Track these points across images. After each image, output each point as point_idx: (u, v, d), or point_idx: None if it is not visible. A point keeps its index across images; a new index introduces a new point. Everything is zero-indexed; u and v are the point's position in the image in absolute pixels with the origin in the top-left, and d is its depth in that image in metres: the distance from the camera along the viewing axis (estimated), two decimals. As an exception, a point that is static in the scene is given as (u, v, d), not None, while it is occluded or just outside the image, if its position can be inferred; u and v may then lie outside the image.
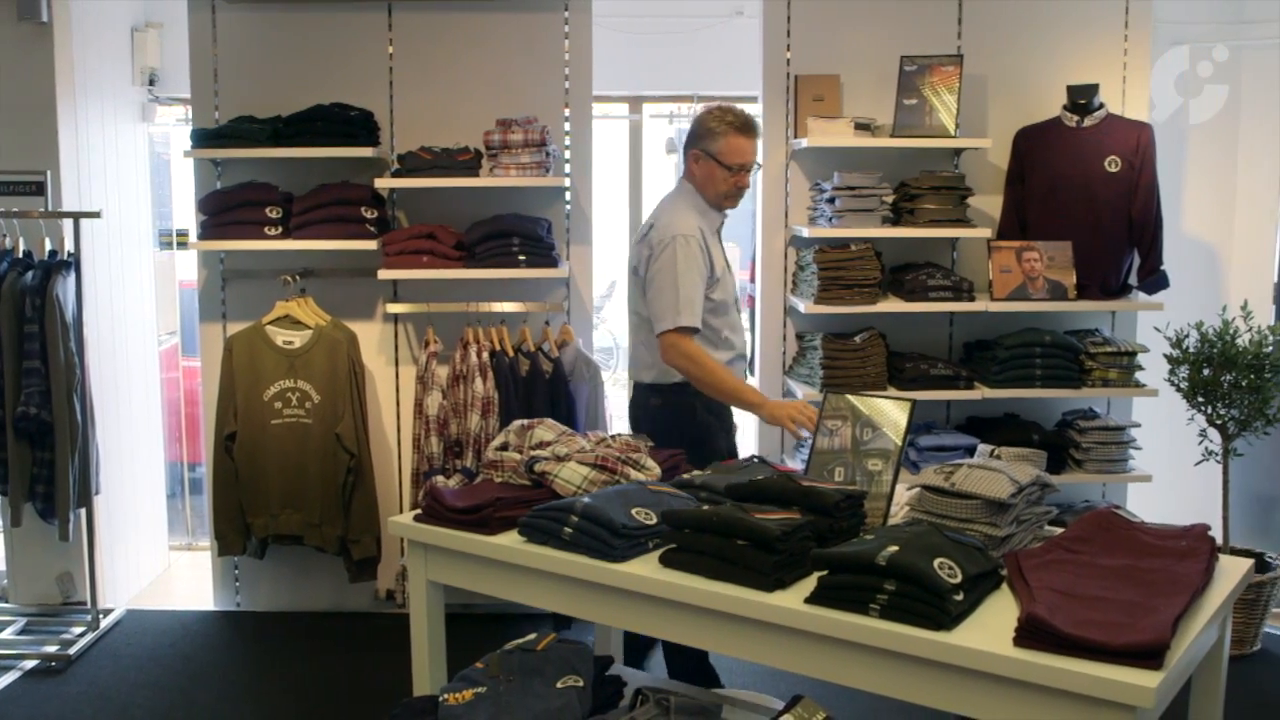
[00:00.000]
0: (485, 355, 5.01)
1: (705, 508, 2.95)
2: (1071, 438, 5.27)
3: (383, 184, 5.08)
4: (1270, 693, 4.74)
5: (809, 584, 2.67)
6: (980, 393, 5.15)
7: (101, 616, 5.30)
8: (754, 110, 5.52)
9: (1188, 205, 6.08)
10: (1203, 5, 5.96)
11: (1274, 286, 6.18)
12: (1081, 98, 5.23)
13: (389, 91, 5.30)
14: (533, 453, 3.39)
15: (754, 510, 2.84)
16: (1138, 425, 5.37)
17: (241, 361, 5.07)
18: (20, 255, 5.10)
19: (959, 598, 2.51)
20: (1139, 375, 5.21)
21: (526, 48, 5.30)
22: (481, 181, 5.01)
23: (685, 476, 3.39)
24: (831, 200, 5.06)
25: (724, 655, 2.93)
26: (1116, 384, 5.18)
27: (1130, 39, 5.43)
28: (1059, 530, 3.02)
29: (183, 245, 6.65)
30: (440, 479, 3.53)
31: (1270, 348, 4.88)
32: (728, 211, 4.27)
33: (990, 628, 2.48)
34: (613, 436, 3.58)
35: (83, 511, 5.12)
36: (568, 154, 5.35)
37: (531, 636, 3.17)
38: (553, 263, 5.05)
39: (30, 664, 4.91)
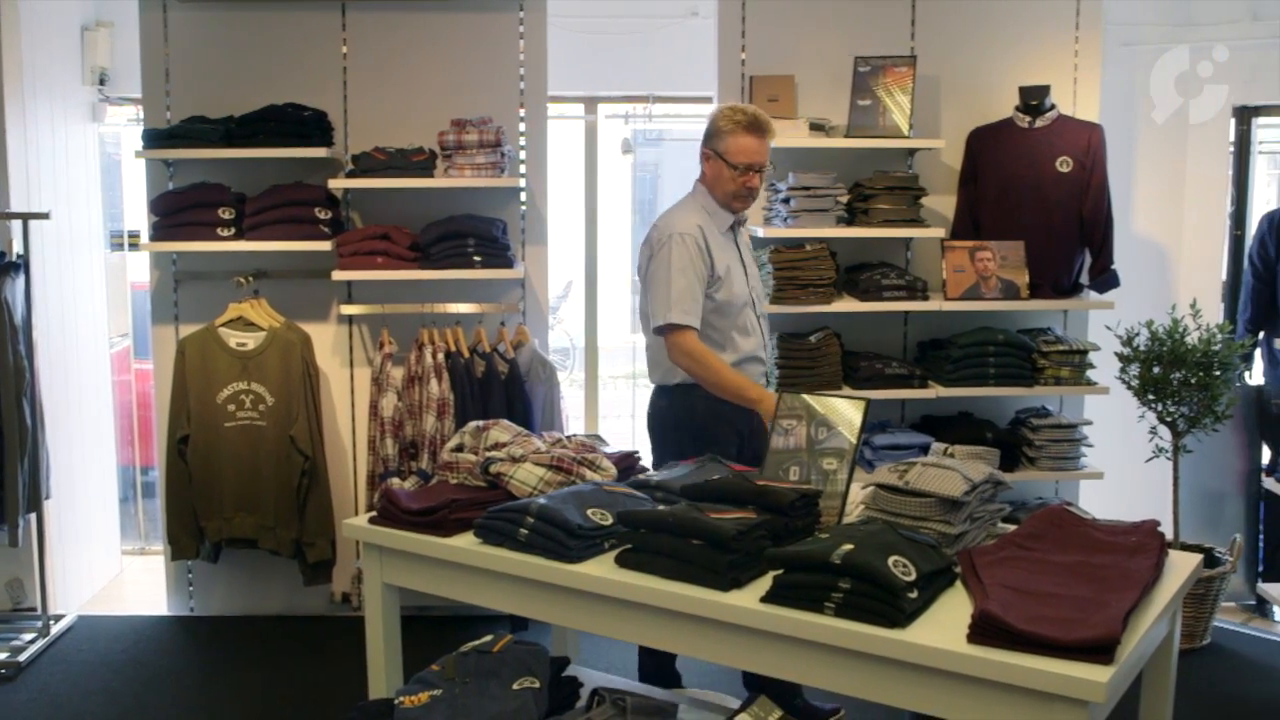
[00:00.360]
0: (440, 356, 5.00)
1: (661, 508, 2.96)
2: (1024, 435, 5.32)
3: (337, 184, 5.05)
4: (1220, 686, 4.80)
5: (764, 583, 2.68)
6: (934, 391, 5.18)
7: (52, 623, 5.24)
8: (708, 111, 5.55)
9: (1138, 205, 6.15)
10: (1153, 8, 6.02)
11: (1222, 285, 6.26)
12: (1033, 98, 5.28)
13: (343, 91, 5.28)
14: (488, 454, 3.38)
15: (709, 510, 2.85)
16: (1089, 423, 5.42)
17: (194, 364, 5.03)
18: (-32, 257, 5.03)
19: (913, 595, 2.53)
20: (1090, 373, 5.26)
21: (481, 48, 5.29)
22: (436, 182, 4.99)
23: (641, 477, 3.40)
24: (786, 200, 5.08)
25: (680, 655, 2.93)
26: (1068, 382, 5.23)
27: (1081, 40, 5.48)
28: (1012, 527, 3.05)
29: (134, 247, 6.58)
30: (395, 481, 3.51)
31: (1219, 346, 4.94)
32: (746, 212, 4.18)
33: (944, 625, 2.50)
34: (568, 437, 3.58)
35: (33, 516, 5.05)
36: (523, 154, 5.34)
37: (487, 638, 3.17)
38: (508, 263, 5.04)
39: (-20, 671, 4.86)
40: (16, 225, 5.00)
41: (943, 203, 5.47)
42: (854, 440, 3.16)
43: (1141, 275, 5.89)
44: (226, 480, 5.04)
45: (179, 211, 5.03)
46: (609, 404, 10.39)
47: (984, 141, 5.34)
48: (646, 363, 4.24)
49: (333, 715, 4.42)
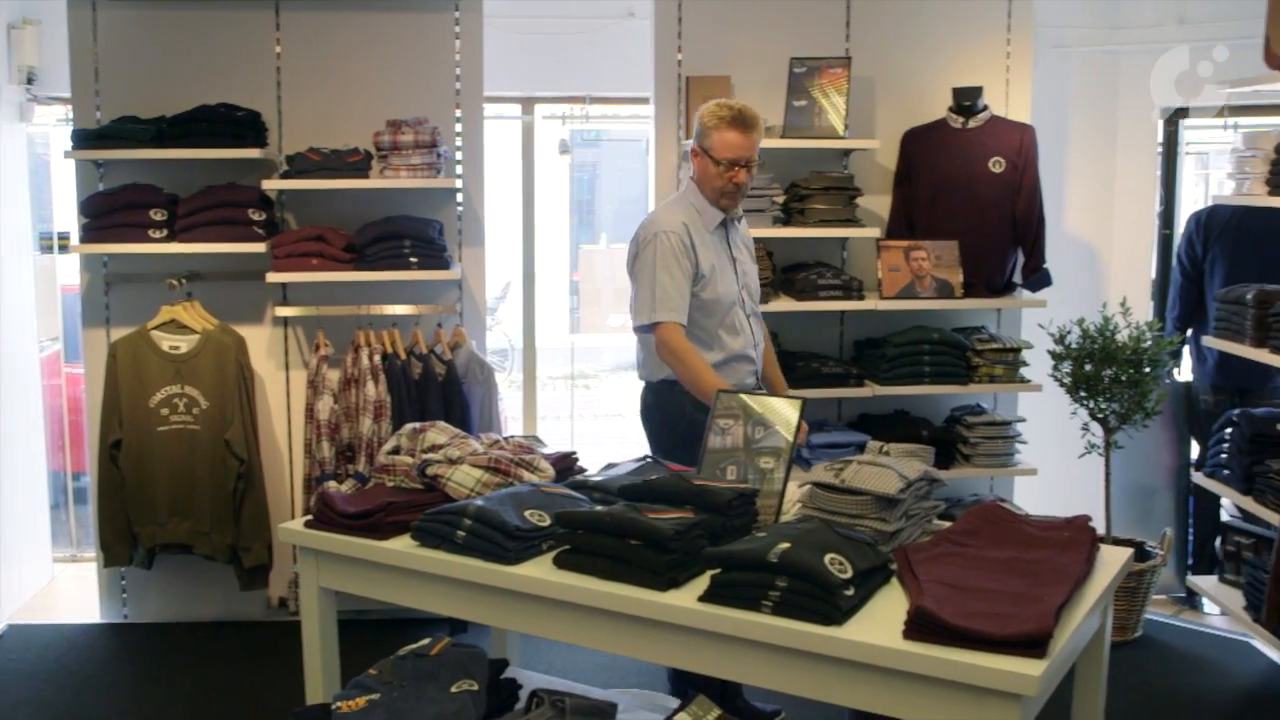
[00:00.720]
0: (377, 358, 4.97)
1: (599, 508, 2.96)
2: (960, 433, 5.37)
3: (270, 185, 5.00)
4: (1151, 678, 4.88)
5: (702, 582, 2.69)
6: (871, 390, 5.22)
7: (-18, 631, 5.16)
8: (645, 112, 5.57)
9: (1069, 205, 6.23)
10: (1082, 11, 6.10)
11: (1151, 284, 6.36)
12: (966, 100, 5.33)
13: (277, 92, 5.23)
14: (425, 456, 3.37)
15: (647, 510, 2.86)
16: (1023, 420, 5.49)
17: (126, 368, 4.97)
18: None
19: (849, 593, 2.55)
20: (1024, 371, 5.33)
21: (417, 48, 5.26)
22: (371, 183, 4.96)
23: (579, 478, 3.40)
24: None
25: (620, 655, 2.94)
26: (1002, 380, 5.29)
27: (1013, 42, 5.55)
28: (948, 524, 3.08)
29: (64, 249, 6.49)
30: (332, 484, 3.49)
31: (1148, 343, 5.02)
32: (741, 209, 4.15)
33: (880, 621, 2.53)
34: (506, 439, 3.57)
35: (-39, 523, 4.97)
36: (459, 155, 5.32)
37: (425, 641, 3.15)
38: (444, 264, 5.02)
39: (-94, 682, 4.76)
40: (-58, 227, 4.92)
41: (878, 203, 5.52)
42: (791, 439, 3.18)
43: (1073, 274, 5.97)
44: (160, 485, 4.98)
45: (110, 213, 4.97)
46: (547, 405, 10.39)
47: (918, 142, 5.39)
48: (635, 360, 4.23)
49: (270, 721, 4.39)
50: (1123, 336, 5.04)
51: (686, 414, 3.96)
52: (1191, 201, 7.14)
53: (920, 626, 2.42)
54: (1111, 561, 2.96)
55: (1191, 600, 5.84)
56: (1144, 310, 6.11)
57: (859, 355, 5.51)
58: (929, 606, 2.43)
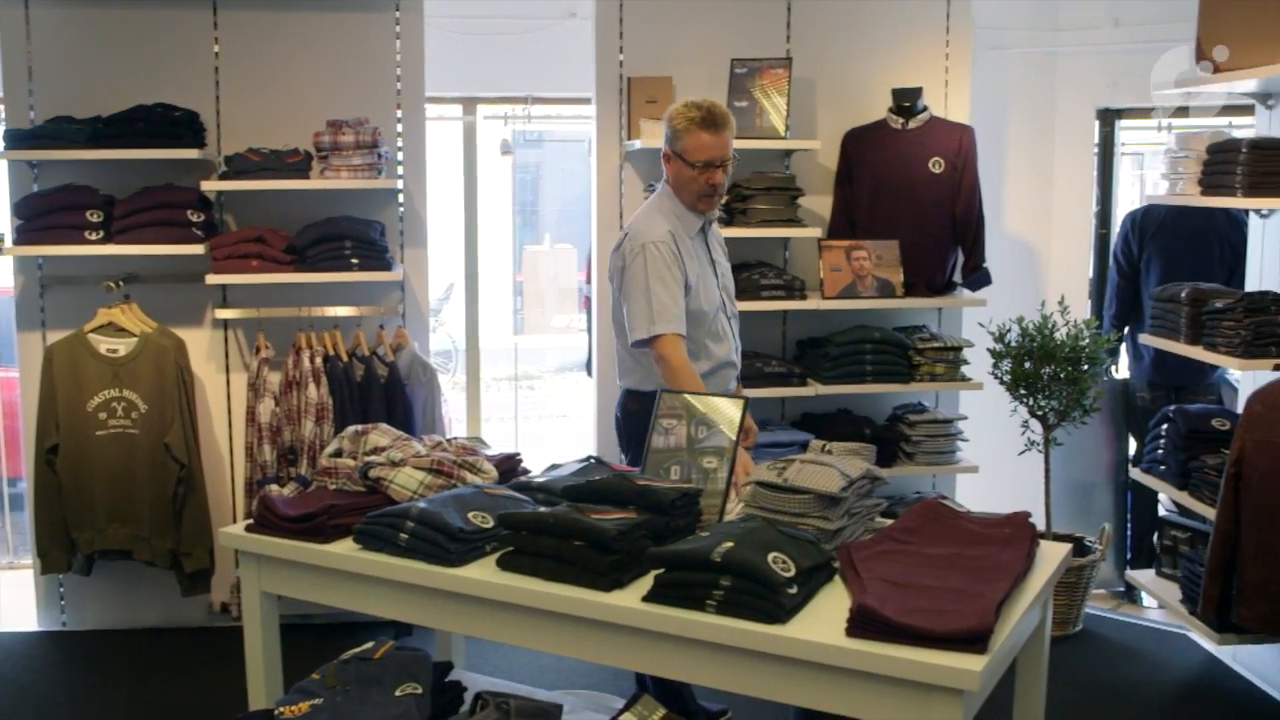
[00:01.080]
0: (319, 360, 4.93)
1: (542, 510, 2.96)
2: (902, 431, 5.41)
3: (209, 186, 4.95)
4: (1091, 671, 4.94)
5: (646, 582, 2.70)
6: (814, 389, 5.25)
7: (-85, 641, 5.07)
8: (587, 112, 5.56)
9: (1008, 205, 6.30)
10: (1020, 13, 6.17)
11: (1089, 283, 6.44)
12: (905, 100, 5.37)
13: (215, 92, 5.17)
14: (367, 459, 3.35)
15: (590, 511, 2.86)
16: (965, 418, 5.54)
17: (63, 371, 4.90)
18: None
19: (793, 591, 2.56)
20: (965, 370, 5.38)
21: (357, 48, 5.23)
22: (312, 184, 4.93)
23: (523, 479, 3.39)
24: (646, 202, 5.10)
25: (565, 656, 2.93)
26: (944, 378, 5.34)
27: (951, 44, 5.60)
28: (890, 522, 3.10)
29: (-2, 251, 6.37)
30: (274, 488, 3.47)
31: (1086, 341, 5.08)
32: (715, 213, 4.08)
33: (824, 619, 2.54)
34: (449, 440, 3.56)
35: (-108, 531, 4.89)
36: (400, 156, 5.29)
37: (369, 645, 3.13)
38: (386, 266, 4.99)
39: None
40: None
41: (819, 203, 5.54)
42: (734, 438, 3.19)
43: (1012, 273, 6.04)
44: (98, 490, 4.91)
45: (44, 214, 4.89)
46: (491, 406, 10.36)
47: (858, 143, 5.43)
48: (617, 367, 4.14)
49: (212, 728, 4.35)
50: (1061, 335, 5.10)
51: None
52: (1128, 201, 7.24)
53: (863, 624, 2.44)
54: (1051, 557, 3.00)
55: (1130, 594, 5.92)
56: (1082, 309, 6.19)
57: (801, 355, 5.54)
58: (871, 604, 2.45)
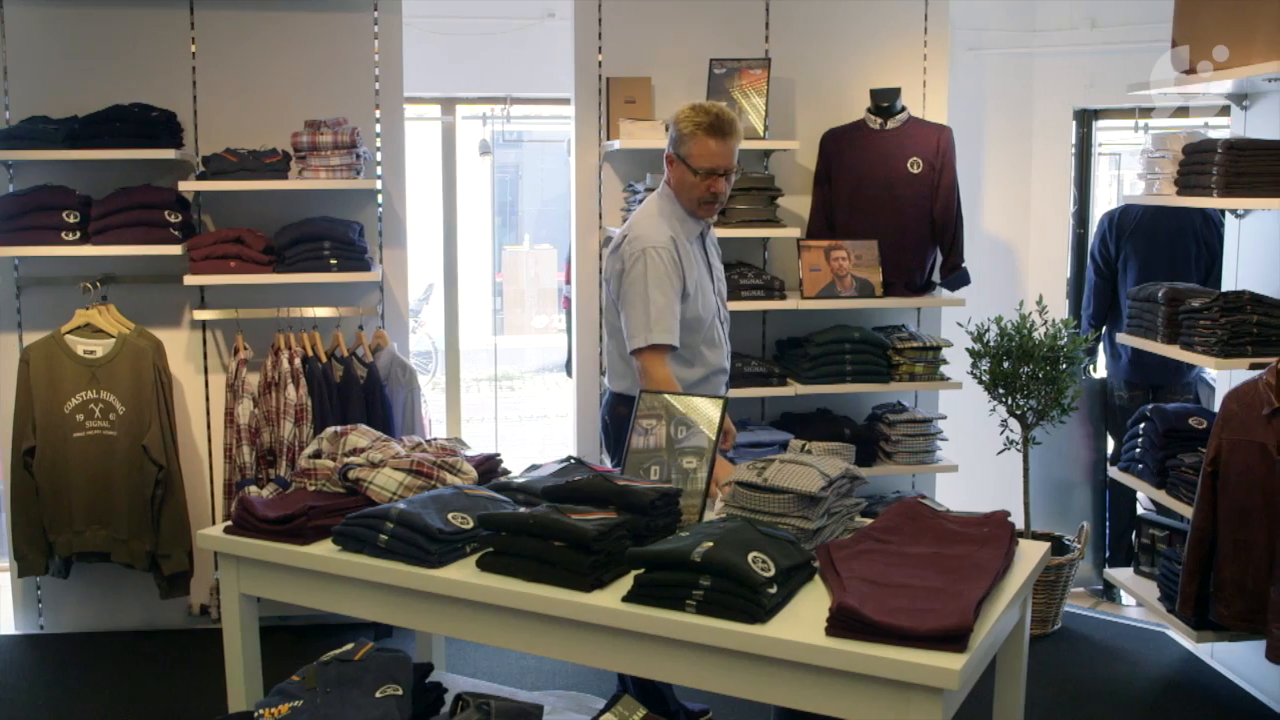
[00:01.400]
0: (297, 361, 4.91)
1: (522, 510, 2.96)
2: (881, 431, 5.43)
3: (187, 187, 4.93)
4: (1070, 669, 4.96)
5: (626, 583, 2.70)
6: (793, 389, 5.26)
7: (-110, 644, 5.04)
8: (567, 113, 5.56)
9: (987, 205, 6.32)
10: (997, 13, 6.19)
11: (1067, 282, 6.47)
12: (884, 101, 5.38)
13: (192, 92, 5.16)
14: (346, 460, 3.34)
15: (570, 511, 2.86)
16: (944, 417, 5.56)
17: (39, 373, 4.87)
18: None
19: (773, 591, 2.57)
20: (944, 369, 5.39)
21: (336, 48, 5.21)
22: (290, 184, 4.91)
23: (503, 480, 3.39)
24: (644, 201, 5.10)
25: (545, 657, 2.93)
26: (923, 378, 5.35)
27: (929, 45, 5.61)
28: (869, 521, 3.11)
29: (-27, 252, 6.33)
30: (253, 489, 3.45)
31: (1064, 341, 5.10)
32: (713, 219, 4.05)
33: (804, 619, 2.55)
34: (428, 441, 3.55)
35: None
36: (379, 156, 5.28)
37: (349, 646, 3.13)
38: (365, 266, 4.98)
39: None
40: None
41: (798, 203, 5.55)
42: (713, 438, 3.19)
43: (991, 273, 6.06)
44: (76, 492, 4.89)
45: (20, 215, 4.86)
46: (471, 407, 10.35)
47: (837, 143, 5.44)
48: (607, 369, 4.11)
49: (190, 730, 4.33)
50: (1039, 334, 5.12)
51: None
52: (1105, 201, 7.28)
53: (842, 623, 2.45)
54: (1030, 556, 3.01)
55: (1109, 592, 5.95)
56: (1060, 308, 6.21)
57: (781, 354, 5.55)
58: (851, 603, 2.45)
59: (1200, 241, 5.78)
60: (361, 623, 4.93)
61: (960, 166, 5.47)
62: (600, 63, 5.39)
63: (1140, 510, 5.66)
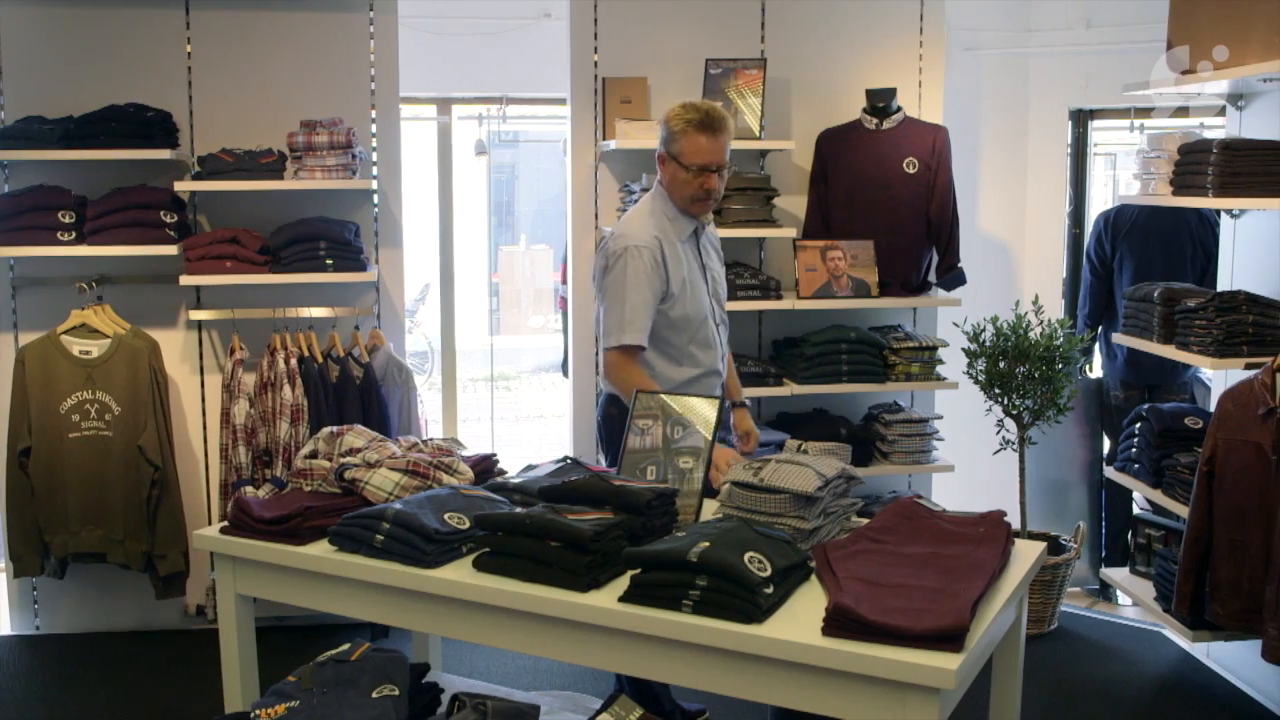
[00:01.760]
0: (293, 362, 4.91)
1: (518, 510, 2.96)
2: (878, 430, 5.43)
3: (183, 187, 4.93)
4: (1067, 669, 4.96)
5: (622, 583, 2.70)
6: (789, 389, 5.26)
7: (-114, 645, 5.03)
8: (562, 113, 5.56)
9: (983, 205, 6.32)
10: (993, 14, 6.19)
11: (1062, 282, 6.47)
12: (880, 101, 5.39)
13: (188, 92, 5.15)
14: (343, 460, 3.34)
15: (567, 511, 2.86)
16: (940, 417, 5.56)
17: (35, 373, 4.87)
18: None
19: (769, 591, 2.57)
20: (940, 369, 5.40)
21: (331, 48, 5.21)
22: (286, 184, 4.91)
23: (499, 480, 3.39)
24: (638, 201, 5.10)
25: (541, 657, 2.93)
26: (919, 378, 5.35)
27: (925, 44, 5.61)
28: (865, 521, 3.11)
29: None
30: (249, 489, 3.45)
31: (1060, 340, 5.10)
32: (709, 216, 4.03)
33: (800, 619, 2.55)
34: (424, 441, 3.55)
35: None
36: (375, 156, 5.27)
37: (345, 647, 3.13)
38: (361, 266, 4.98)
39: None
40: None
41: (794, 203, 5.56)
42: (709, 438, 3.19)
43: (987, 273, 6.06)
44: (72, 493, 4.88)
45: (15, 215, 4.86)
46: (467, 407, 10.35)
47: (833, 143, 5.44)
48: (600, 370, 4.07)
49: (187, 731, 4.33)
50: (1035, 334, 5.12)
51: None
52: (1101, 201, 7.28)
53: (839, 623, 2.45)
54: (1026, 555, 3.01)
55: (1105, 592, 5.95)
56: (1056, 308, 6.22)
57: (777, 354, 5.55)
58: (847, 603, 2.45)
59: (1196, 241, 5.79)
60: (358, 623, 4.92)
61: (956, 166, 5.47)
62: (596, 63, 5.39)
63: (1136, 510, 5.67)
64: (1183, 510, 4.29)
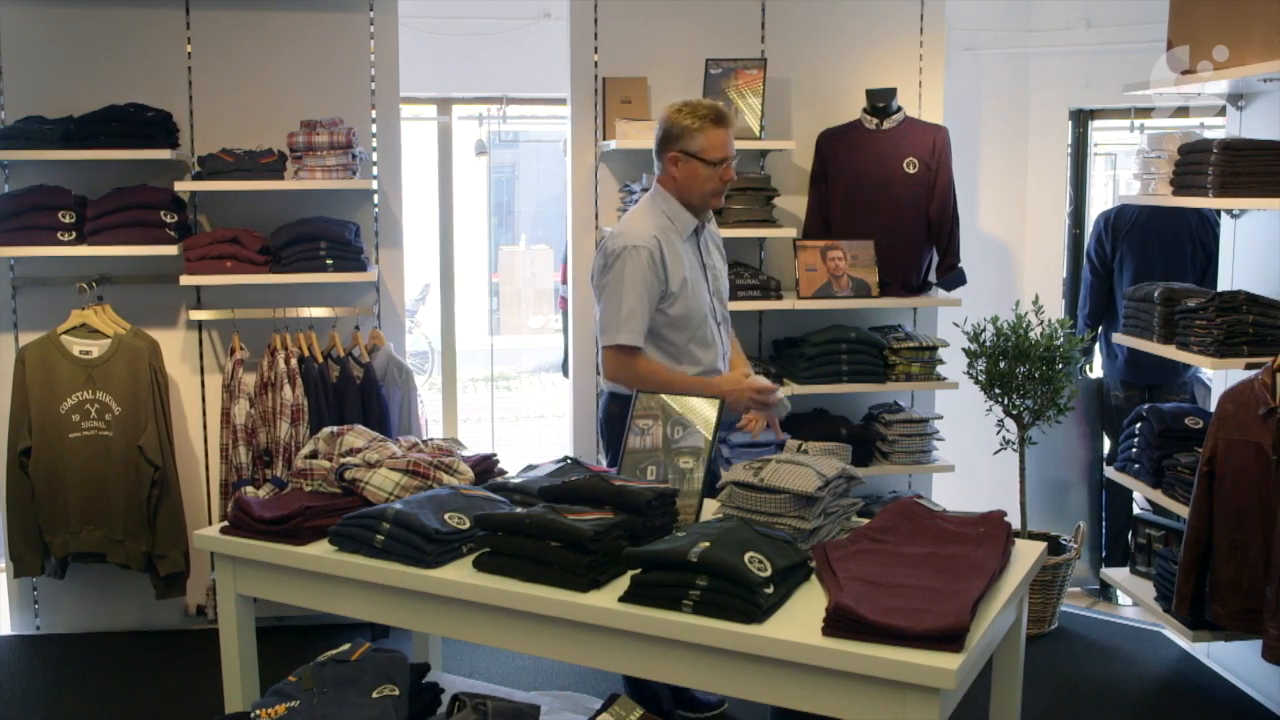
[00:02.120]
0: (294, 362, 4.91)
1: (518, 510, 2.96)
2: (878, 431, 5.43)
3: (183, 187, 4.93)
4: (1067, 669, 4.96)
5: (623, 583, 2.70)
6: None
7: (-114, 645, 5.03)
8: (562, 113, 5.56)
9: (983, 205, 6.32)
10: (993, 14, 6.19)
11: (1063, 282, 6.47)
12: (880, 101, 5.38)
13: (188, 92, 5.15)
14: (343, 460, 3.34)
15: (567, 511, 2.86)
16: (940, 417, 5.56)
17: (35, 373, 4.87)
18: None
19: (769, 591, 2.57)
20: (940, 369, 5.39)
21: (331, 48, 5.21)
22: (286, 184, 4.91)
23: (499, 480, 3.39)
24: (638, 201, 5.10)
25: (542, 657, 2.93)
26: (919, 378, 5.35)
27: (925, 44, 5.61)
28: (866, 521, 3.11)
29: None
30: (249, 489, 3.45)
31: (1060, 340, 5.10)
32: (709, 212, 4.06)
33: (800, 619, 2.55)
34: (425, 441, 3.55)
35: None
36: (375, 156, 5.27)
37: (345, 647, 3.13)
38: (361, 266, 4.98)
39: None
40: None
41: (794, 203, 5.56)
42: (710, 438, 3.19)
43: (987, 273, 6.06)
44: (72, 493, 4.88)
45: (16, 215, 4.86)
46: (467, 407, 10.35)
47: (833, 143, 5.44)
48: (601, 369, 4.14)
49: (187, 731, 4.33)
50: (1035, 334, 5.12)
51: None
52: (1101, 201, 7.28)
53: (839, 623, 2.45)
54: (1026, 555, 3.01)
55: (1105, 592, 5.95)
56: (1056, 308, 6.21)
57: (777, 354, 5.55)
58: (847, 603, 2.45)
59: (1196, 241, 5.79)
60: (358, 623, 4.92)
61: (956, 166, 5.47)
62: (596, 63, 5.39)
63: (1136, 510, 5.67)
64: (1183, 510, 4.29)
